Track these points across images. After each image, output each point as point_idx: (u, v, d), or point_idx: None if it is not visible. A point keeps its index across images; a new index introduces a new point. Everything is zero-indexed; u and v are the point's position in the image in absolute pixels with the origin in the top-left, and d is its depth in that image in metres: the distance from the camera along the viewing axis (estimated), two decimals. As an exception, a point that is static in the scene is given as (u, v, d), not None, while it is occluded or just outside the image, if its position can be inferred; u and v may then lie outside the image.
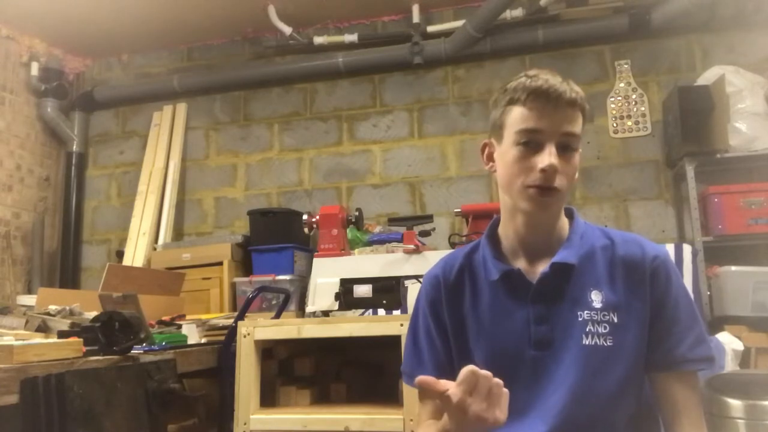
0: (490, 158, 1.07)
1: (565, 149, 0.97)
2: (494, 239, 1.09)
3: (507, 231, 1.07)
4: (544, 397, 0.98)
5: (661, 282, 0.99)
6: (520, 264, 1.05)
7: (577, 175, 1.04)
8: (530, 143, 0.97)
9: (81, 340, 1.50)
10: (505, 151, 1.00)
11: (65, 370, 1.34)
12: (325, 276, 2.67)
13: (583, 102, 0.99)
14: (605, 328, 0.97)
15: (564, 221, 1.07)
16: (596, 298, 0.99)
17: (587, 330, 0.97)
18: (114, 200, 3.97)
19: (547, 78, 0.97)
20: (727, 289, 2.65)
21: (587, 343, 0.97)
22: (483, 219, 2.79)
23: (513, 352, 1.01)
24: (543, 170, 0.94)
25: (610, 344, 0.97)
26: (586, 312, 0.98)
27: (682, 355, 0.97)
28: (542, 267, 1.02)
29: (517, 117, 0.98)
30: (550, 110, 0.95)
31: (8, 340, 1.46)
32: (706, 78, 3.00)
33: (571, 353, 0.97)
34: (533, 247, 1.04)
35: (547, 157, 0.95)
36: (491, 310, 1.04)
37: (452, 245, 2.92)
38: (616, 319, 0.98)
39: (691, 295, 1.05)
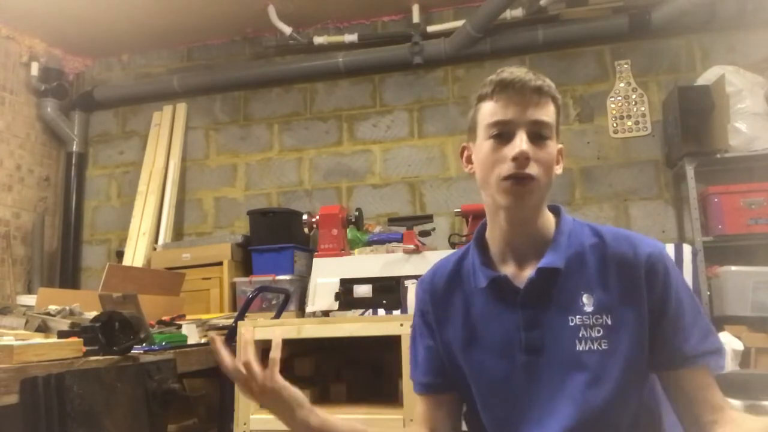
0: (469, 161, 1.06)
1: (537, 138, 0.95)
2: (482, 244, 1.08)
3: (493, 234, 1.05)
4: (539, 405, 0.96)
5: (659, 281, 0.96)
6: (509, 269, 1.02)
7: (560, 170, 1.02)
8: (501, 135, 0.96)
9: (81, 340, 1.50)
10: (479, 148, 1.00)
11: (65, 370, 1.34)
12: (325, 276, 2.67)
13: (552, 91, 0.98)
14: (599, 331, 0.95)
15: (550, 219, 1.03)
16: (588, 302, 0.96)
17: (580, 335, 0.95)
18: (114, 200, 3.97)
19: (513, 70, 0.97)
20: (727, 289, 2.65)
21: (581, 349, 0.94)
22: (483, 219, 2.79)
23: (504, 357, 0.99)
24: (515, 158, 0.93)
25: (605, 347, 0.94)
26: (577, 317, 0.96)
27: (692, 351, 0.94)
28: (530, 271, 0.99)
29: (486, 112, 0.98)
30: (516, 100, 0.95)
31: (8, 340, 1.46)
32: (706, 78, 3.00)
33: (565, 360, 0.95)
34: (520, 249, 1.02)
35: (518, 144, 0.93)
36: (482, 317, 1.03)
37: (452, 245, 2.93)
38: (609, 321, 0.95)
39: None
